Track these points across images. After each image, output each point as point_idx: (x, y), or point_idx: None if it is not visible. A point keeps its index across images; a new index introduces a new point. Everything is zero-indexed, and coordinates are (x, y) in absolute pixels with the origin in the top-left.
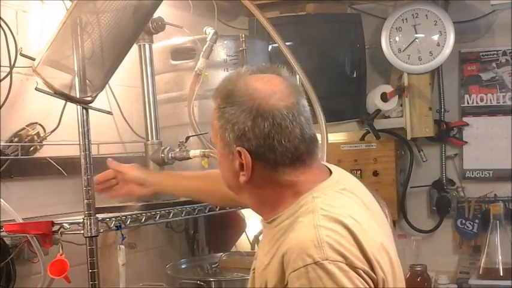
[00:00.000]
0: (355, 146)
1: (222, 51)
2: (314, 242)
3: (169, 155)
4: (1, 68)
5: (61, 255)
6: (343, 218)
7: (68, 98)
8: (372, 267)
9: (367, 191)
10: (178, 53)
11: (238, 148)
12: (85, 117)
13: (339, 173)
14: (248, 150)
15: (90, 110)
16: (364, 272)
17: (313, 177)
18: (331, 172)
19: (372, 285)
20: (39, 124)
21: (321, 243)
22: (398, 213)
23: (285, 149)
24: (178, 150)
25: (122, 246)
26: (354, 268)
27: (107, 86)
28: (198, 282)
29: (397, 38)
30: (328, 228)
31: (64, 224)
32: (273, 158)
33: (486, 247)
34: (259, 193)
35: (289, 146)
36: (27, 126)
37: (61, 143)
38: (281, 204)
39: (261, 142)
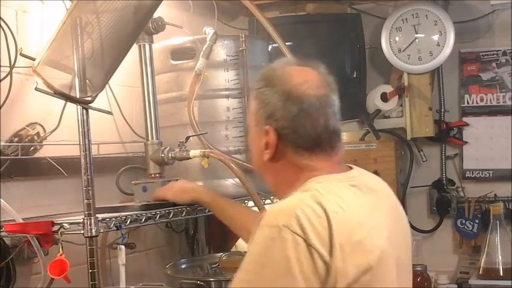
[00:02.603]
0: (355, 146)
1: (222, 51)
2: (287, 210)
3: (169, 155)
4: (1, 68)
5: (61, 255)
6: (327, 203)
7: (68, 98)
8: (332, 256)
9: (393, 200)
10: (178, 53)
11: (266, 127)
12: (85, 117)
13: (359, 172)
14: (275, 130)
15: (90, 110)
16: (319, 254)
17: (330, 168)
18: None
19: (321, 273)
20: (39, 124)
21: (292, 213)
22: None
23: (307, 134)
24: (178, 150)
25: (122, 246)
26: (309, 245)
27: (107, 86)
28: (198, 282)
29: (397, 38)
30: (308, 206)
31: (64, 224)
32: (295, 140)
33: (486, 247)
34: (278, 173)
35: (312, 132)
36: (27, 126)
37: (61, 143)
38: (294, 186)
39: (287, 124)
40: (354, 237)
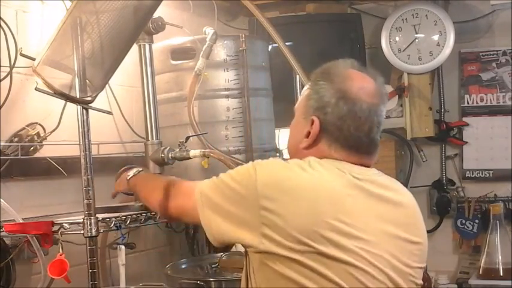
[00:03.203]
0: None
1: (222, 51)
2: (271, 160)
3: (169, 155)
4: (1, 68)
5: (61, 255)
6: (304, 168)
7: (68, 98)
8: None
9: (404, 206)
10: (178, 53)
11: (313, 117)
12: (85, 117)
13: (379, 174)
14: (320, 122)
15: (90, 110)
16: (257, 201)
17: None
18: None
19: (254, 214)
20: (39, 124)
21: (270, 161)
22: None
23: (350, 135)
24: (178, 150)
25: (122, 246)
26: (255, 189)
27: (107, 86)
28: (198, 282)
29: (397, 38)
30: (287, 163)
31: (64, 224)
32: (336, 137)
33: (486, 247)
34: None
35: (355, 134)
36: (27, 126)
37: (61, 143)
38: None
39: (334, 120)
40: (318, 206)
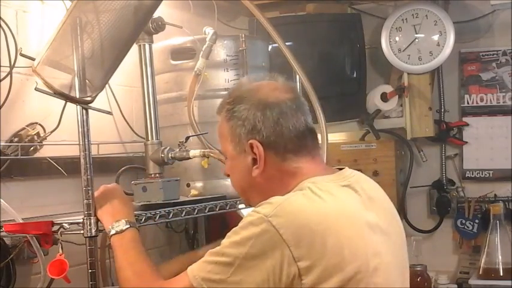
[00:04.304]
0: (355, 146)
1: (222, 51)
2: (274, 202)
3: (169, 155)
4: (1, 68)
5: (61, 255)
6: (317, 199)
7: (68, 98)
8: (310, 253)
9: (386, 200)
10: (178, 53)
11: (250, 141)
12: (85, 117)
13: (351, 172)
14: (260, 142)
15: (90, 110)
16: (290, 251)
17: (318, 171)
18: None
19: (290, 269)
20: (39, 124)
21: (277, 205)
22: (399, 213)
23: (293, 134)
24: (178, 150)
25: None
26: (282, 240)
27: (107, 86)
28: None
29: (397, 38)
30: (297, 201)
31: (64, 224)
32: (282, 145)
33: (486, 247)
34: (270, 186)
35: (297, 131)
36: (27, 126)
37: (61, 143)
38: (288, 191)
39: (271, 130)
40: (344, 233)
